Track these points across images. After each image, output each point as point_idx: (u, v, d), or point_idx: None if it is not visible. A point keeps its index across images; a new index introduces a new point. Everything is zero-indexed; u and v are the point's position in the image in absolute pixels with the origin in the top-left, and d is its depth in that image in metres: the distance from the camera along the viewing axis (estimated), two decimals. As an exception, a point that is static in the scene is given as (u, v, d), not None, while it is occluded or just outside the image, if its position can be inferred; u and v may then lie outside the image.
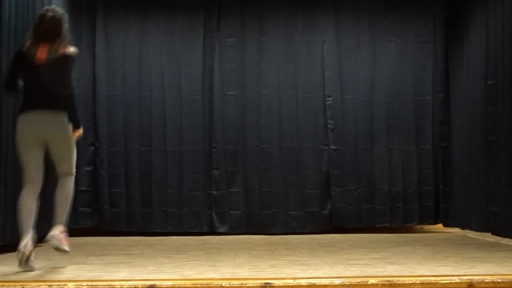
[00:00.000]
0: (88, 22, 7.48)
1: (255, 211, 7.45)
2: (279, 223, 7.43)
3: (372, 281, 3.61)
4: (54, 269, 4.42)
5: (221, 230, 7.38)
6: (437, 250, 5.52)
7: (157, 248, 5.89)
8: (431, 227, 7.77)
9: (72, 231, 7.01)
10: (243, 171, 7.49)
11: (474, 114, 6.94)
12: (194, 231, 7.35)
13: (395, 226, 7.51)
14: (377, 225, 7.48)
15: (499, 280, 3.64)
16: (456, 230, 7.48)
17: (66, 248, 4.51)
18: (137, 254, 5.38)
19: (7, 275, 4.12)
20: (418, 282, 3.63)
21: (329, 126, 7.54)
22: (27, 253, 4.26)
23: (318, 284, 3.58)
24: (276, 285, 3.55)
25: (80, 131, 4.68)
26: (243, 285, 3.56)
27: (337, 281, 3.64)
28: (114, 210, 7.34)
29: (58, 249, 4.48)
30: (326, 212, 7.49)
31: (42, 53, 4.45)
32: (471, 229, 6.98)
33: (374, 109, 7.59)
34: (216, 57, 7.57)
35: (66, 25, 4.60)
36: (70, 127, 4.54)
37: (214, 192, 7.45)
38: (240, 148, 7.51)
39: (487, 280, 3.63)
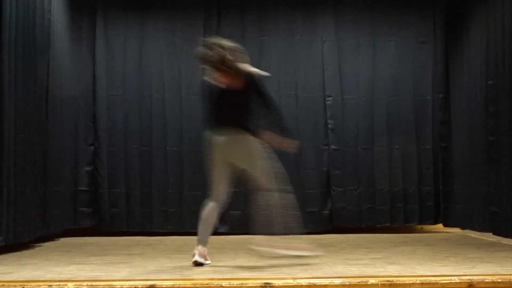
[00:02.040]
0: (88, 22, 7.48)
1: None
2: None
3: (372, 281, 3.61)
4: (54, 269, 4.42)
5: (221, 230, 7.37)
6: (437, 250, 5.52)
7: (157, 248, 5.89)
8: (431, 227, 7.77)
9: (72, 231, 7.06)
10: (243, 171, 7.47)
11: (474, 114, 6.94)
12: (194, 231, 7.32)
13: (395, 226, 7.50)
14: (377, 225, 7.48)
15: (499, 280, 3.64)
16: (456, 230, 7.48)
17: (281, 252, 4.61)
18: (137, 254, 5.38)
19: (7, 274, 4.12)
20: (418, 282, 3.62)
21: (329, 126, 7.54)
22: (198, 262, 4.52)
23: (318, 284, 3.58)
24: (276, 285, 3.55)
25: (287, 140, 4.69)
26: (243, 285, 3.55)
27: (337, 281, 3.63)
28: (114, 210, 7.34)
29: (275, 256, 4.60)
30: (326, 212, 7.49)
31: (227, 82, 4.58)
32: (473, 229, 6.98)
33: (374, 109, 7.59)
34: (216, 57, 7.56)
35: (235, 52, 4.62)
36: (256, 144, 4.62)
37: (214, 192, 7.44)
38: (240, 148, 7.49)
39: (487, 280, 3.63)
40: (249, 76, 4.60)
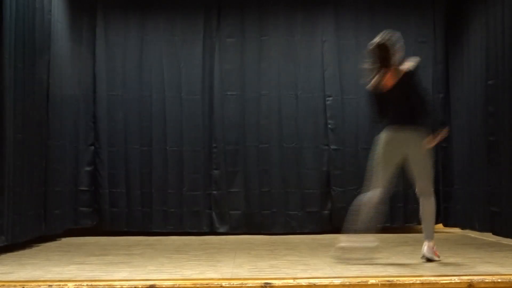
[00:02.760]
0: (88, 22, 7.48)
1: (255, 211, 7.44)
2: (279, 223, 7.42)
3: (372, 281, 3.61)
4: (54, 269, 4.42)
5: (221, 230, 7.38)
6: (437, 250, 5.51)
7: (157, 248, 5.89)
8: (431, 227, 7.75)
9: (73, 231, 7.06)
10: (243, 171, 7.48)
11: (475, 114, 6.94)
12: (194, 231, 7.34)
13: (395, 226, 7.49)
14: (377, 225, 7.46)
15: (499, 280, 3.64)
16: (456, 230, 7.48)
17: (437, 259, 4.71)
18: (137, 254, 5.38)
19: (7, 274, 4.13)
20: (418, 282, 3.63)
21: (329, 126, 7.54)
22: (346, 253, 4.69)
23: (318, 284, 3.58)
24: (276, 285, 3.55)
25: (437, 136, 4.80)
26: (243, 285, 3.56)
27: (337, 281, 3.64)
28: (114, 210, 7.34)
29: (431, 260, 4.70)
30: (326, 212, 7.48)
31: (387, 80, 4.76)
32: (473, 229, 6.97)
33: (374, 109, 7.58)
34: (216, 57, 7.57)
35: (395, 47, 4.84)
36: (423, 144, 4.73)
37: (214, 192, 7.44)
38: (240, 148, 7.50)
39: (487, 280, 3.63)
40: (406, 73, 4.72)
